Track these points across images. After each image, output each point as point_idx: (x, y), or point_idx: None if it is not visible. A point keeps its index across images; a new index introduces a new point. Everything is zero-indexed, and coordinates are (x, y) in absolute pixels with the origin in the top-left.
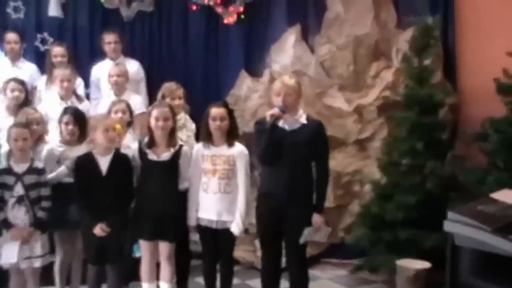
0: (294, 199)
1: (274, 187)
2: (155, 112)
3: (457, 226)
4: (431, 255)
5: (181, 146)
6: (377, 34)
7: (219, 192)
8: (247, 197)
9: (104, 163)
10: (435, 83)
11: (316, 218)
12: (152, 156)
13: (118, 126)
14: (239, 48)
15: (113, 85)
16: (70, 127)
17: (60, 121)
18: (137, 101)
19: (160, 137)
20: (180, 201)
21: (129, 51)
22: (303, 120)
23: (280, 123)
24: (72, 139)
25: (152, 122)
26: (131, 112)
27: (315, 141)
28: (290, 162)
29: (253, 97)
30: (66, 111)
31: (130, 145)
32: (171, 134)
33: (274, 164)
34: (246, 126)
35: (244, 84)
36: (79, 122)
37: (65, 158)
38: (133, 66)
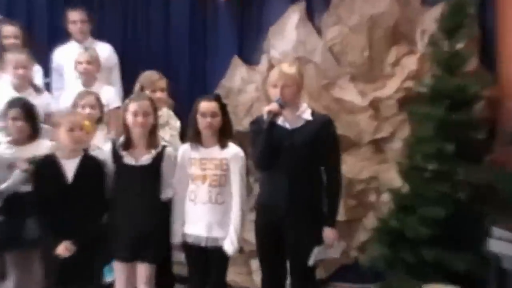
0: (299, 210)
1: (275, 197)
2: (133, 106)
3: (505, 245)
4: (462, 279)
5: (164, 147)
6: (397, 13)
7: (210, 202)
8: (242, 209)
9: (69, 168)
10: (469, 72)
11: (328, 233)
12: (128, 159)
13: (86, 123)
14: (231, 30)
15: (82, 74)
16: (19, 123)
17: (5, 116)
18: (110, 93)
19: (138, 137)
20: (163, 213)
21: (98, 33)
22: (308, 116)
23: (280, 121)
24: (21, 138)
25: (129, 118)
26: (101, 106)
27: (322, 141)
28: (293, 167)
29: (248, 89)
30: (12, 104)
31: (101, 146)
32: (152, 133)
33: (272, 169)
34: (239, 124)
35: (237, 73)
36: (29, 117)
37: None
38: (104, 51)
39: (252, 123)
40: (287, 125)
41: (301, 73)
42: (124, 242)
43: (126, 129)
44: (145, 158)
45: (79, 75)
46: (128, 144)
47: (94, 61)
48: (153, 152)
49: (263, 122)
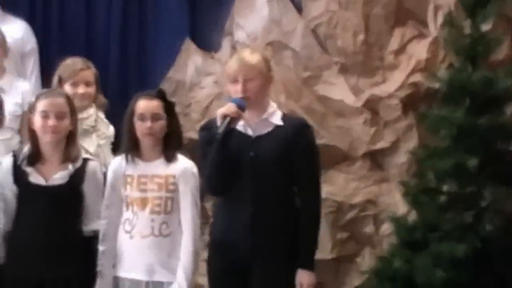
0: (265, 248)
1: (234, 229)
2: (41, 105)
3: None
4: None
5: (85, 161)
6: None
7: (152, 235)
8: (195, 244)
9: None
10: (497, 61)
11: (303, 277)
12: (36, 178)
13: None
14: (180, 3)
15: None
16: None
17: None
18: (26, 88)
19: (49, 147)
20: (85, 253)
21: (8, 6)
22: (277, 120)
23: (240, 126)
24: None
25: (37, 121)
26: (1, 104)
27: (295, 152)
28: (258, 188)
29: (204, 83)
30: None
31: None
32: (69, 142)
33: (228, 192)
34: (192, 129)
35: (190, 62)
36: None
37: None
38: (17, 30)
39: (202, 129)
40: (250, 132)
41: (267, 62)
42: None
43: (32, 137)
44: (59, 176)
45: None
46: (35, 157)
47: (0, 44)
48: (70, 168)
49: (217, 129)
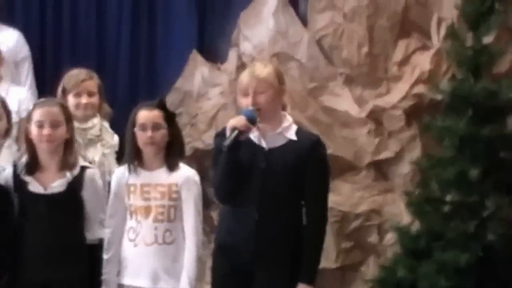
0: (268, 254)
1: (238, 235)
2: (37, 114)
3: None
4: None
5: (83, 168)
6: None
7: (156, 242)
8: (199, 250)
9: None
10: (501, 73)
11: None
12: (34, 186)
13: None
14: (188, 15)
15: None
16: None
17: None
18: (22, 96)
19: (46, 155)
20: (90, 261)
21: (18, 16)
22: (291, 134)
23: (255, 137)
24: None
25: (33, 130)
26: (9, 114)
27: (305, 167)
28: (266, 197)
29: (211, 93)
30: None
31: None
32: (66, 150)
33: (235, 200)
34: (199, 139)
35: (197, 73)
36: None
37: None
38: (10, 38)
39: (217, 136)
40: (263, 143)
41: (279, 75)
42: None
43: (30, 146)
44: (57, 184)
45: None
46: (33, 166)
47: None
48: (68, 176)
49: (225, 140)
